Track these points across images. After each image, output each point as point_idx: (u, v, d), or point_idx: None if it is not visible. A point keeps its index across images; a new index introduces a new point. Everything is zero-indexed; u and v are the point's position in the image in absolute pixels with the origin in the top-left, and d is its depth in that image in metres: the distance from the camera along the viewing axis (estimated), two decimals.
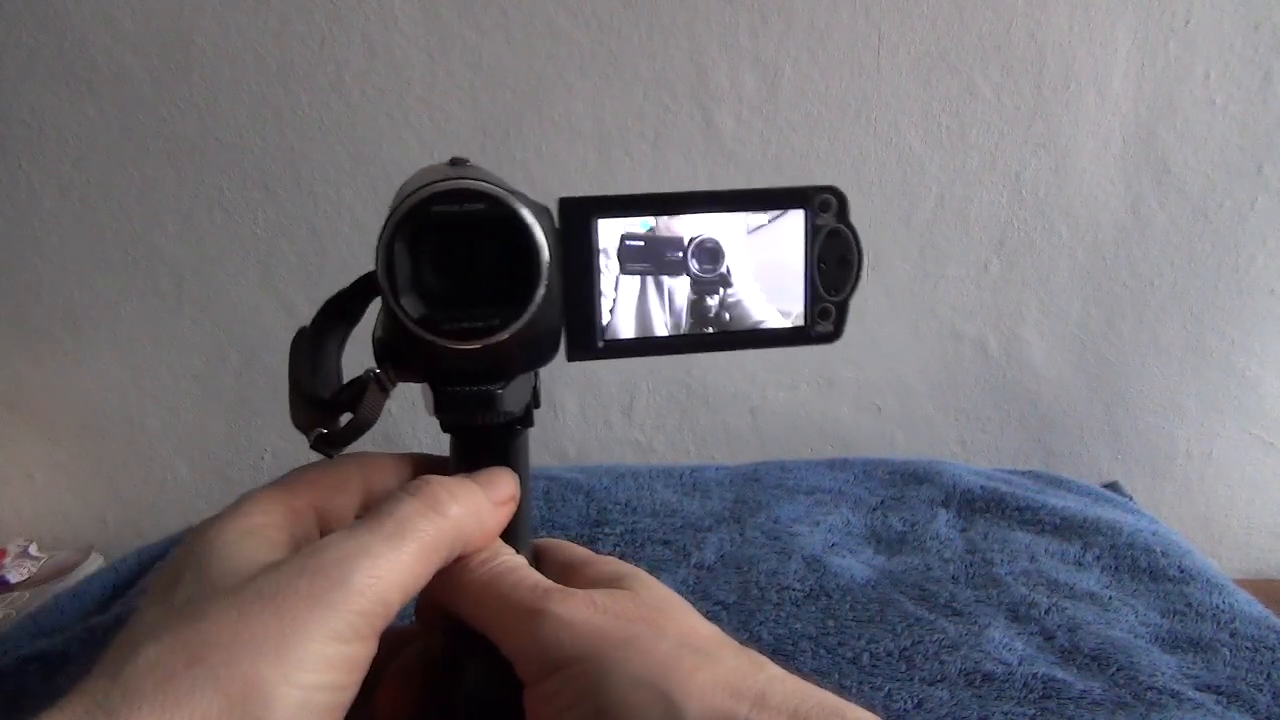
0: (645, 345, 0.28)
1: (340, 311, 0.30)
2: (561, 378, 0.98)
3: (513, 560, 0.26)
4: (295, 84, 0.91)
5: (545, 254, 0.24)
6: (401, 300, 0.24)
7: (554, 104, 0.92)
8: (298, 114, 0.92)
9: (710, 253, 0.28)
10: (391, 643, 0.32)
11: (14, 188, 0.92)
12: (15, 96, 0.90)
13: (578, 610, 0.24)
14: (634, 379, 0.99)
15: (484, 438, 0.30)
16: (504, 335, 0.24)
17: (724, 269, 0.28)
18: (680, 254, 0.28)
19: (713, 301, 0.28)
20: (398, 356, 0.25)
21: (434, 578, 0.26)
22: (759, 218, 0.29)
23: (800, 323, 0.30)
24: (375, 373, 0.25)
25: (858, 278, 0.30)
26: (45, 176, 0.92)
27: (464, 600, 0.26)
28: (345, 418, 0.26)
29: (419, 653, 0.30)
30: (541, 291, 0.24)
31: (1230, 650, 0.46)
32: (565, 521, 0.61)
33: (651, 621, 0.25)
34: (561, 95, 0.92)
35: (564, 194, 0.27)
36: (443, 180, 0.23)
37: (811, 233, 0.29)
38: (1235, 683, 0.43)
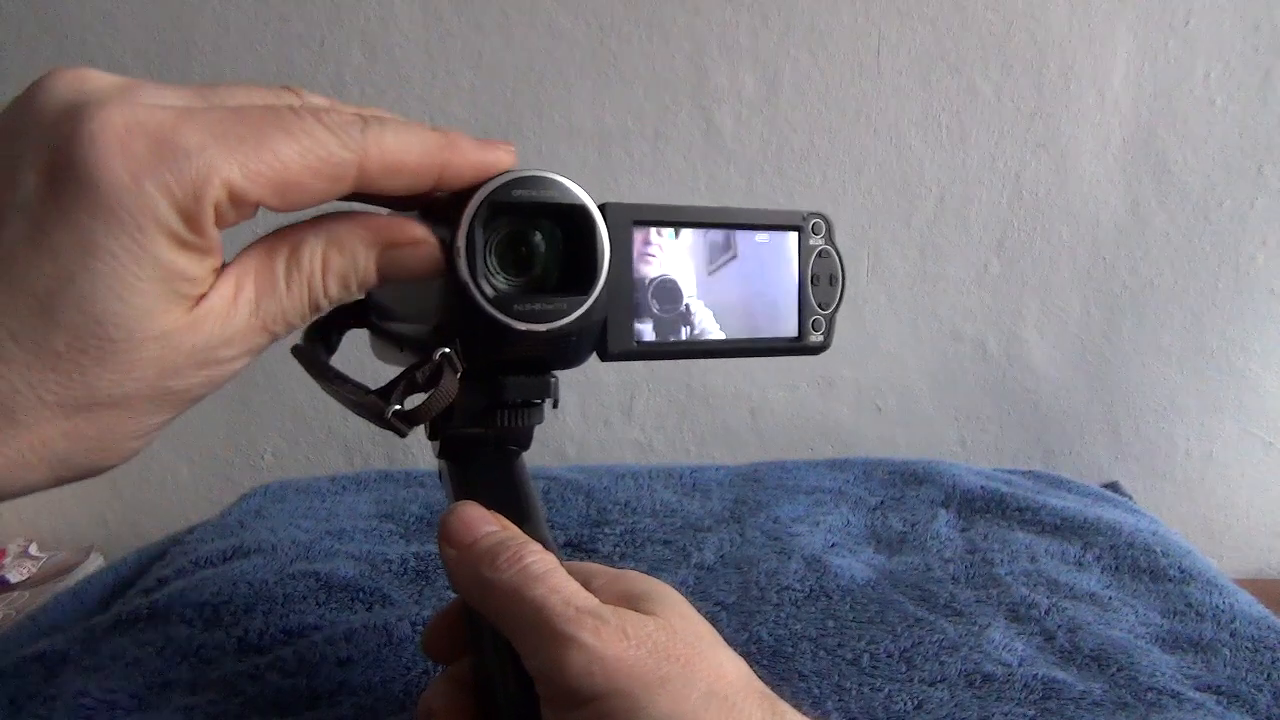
0: (669, 349, 0.30)
1: (322, 338, 0.31)
2: (561, 378, 0.98)
3: (544, 563, 0.25)
4: (295, 84, 0.91)
5: (608, 246, 0.26)
6: (478, 281, 0.24)
7: (554, 104, 0.92)
8: None
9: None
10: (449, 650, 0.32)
11: None
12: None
13: (611, 643, 0.23)
14: (634, 379, 0.99)
15: (485, 460, 0.31)
16: (569, 320, 0.25)
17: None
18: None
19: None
20: (463, 339, 0.26)
21: (461, 573, 0.26)
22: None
23: (794, 334, 0.33)
24: (445, 353, 0.26)
25: (843, 293, 0.34)
26: None
27: (489, 603, 0.25)
28: (412, 400, 0.27)
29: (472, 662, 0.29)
30: (603, 281, 0.26)
31: (1230, 650, 0.46)
32: (565, 521, 0.61)
33: (685, 661, 0.24)
34: (561, 95, 0.92)
35: None
36: (520, 170, 0.25)
37: (805, 253, 0.33)
38: (1235, 683, 0.43)
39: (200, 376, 0.21)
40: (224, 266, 0.22)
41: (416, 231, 0.24)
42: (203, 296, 0.21)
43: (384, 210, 0.26)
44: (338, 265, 0.23)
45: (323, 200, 0.22)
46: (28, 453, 0.19)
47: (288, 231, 0.23)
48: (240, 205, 0.21)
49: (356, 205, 0.25)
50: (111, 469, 0.22)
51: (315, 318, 0.24)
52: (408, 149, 0.23)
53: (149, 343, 0.20)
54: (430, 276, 0.25)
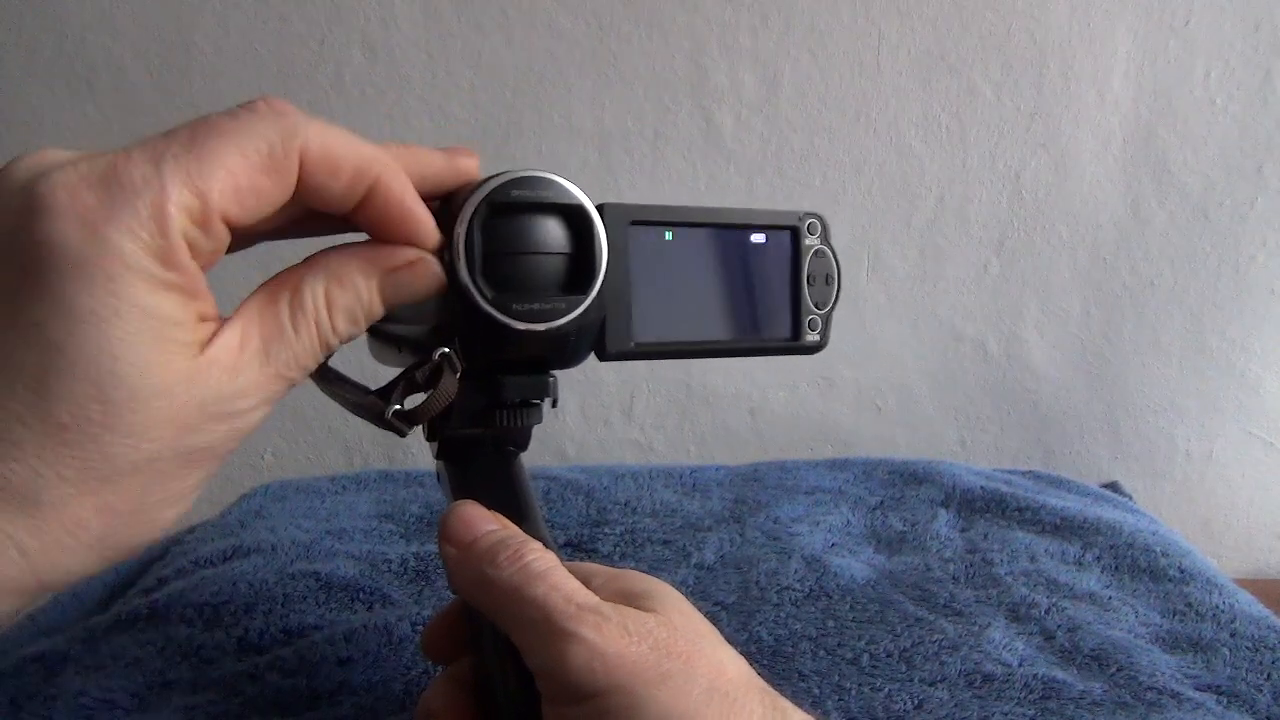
0: (666, 348, 0.30)
1: None
2: (561, 378, 0.98)
3: (544, 561, 0.25)
4: (295, 84, 0.91)
5: (606, 246, 0.26)
6: (478, 281, 0.24)
7: (554, 104, 0.92)
8: None
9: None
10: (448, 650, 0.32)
11: None
12: (15, 96, 0.90)
13: (612, 639, 0.23)
14: (634, 379, 0.99)
15: (483, 461, 0.31)
16: (568, 319, 0.26)
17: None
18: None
19: None
20: (463, 338, 0.26)
21: (462, 572, 0.26)
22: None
23: (790, 334, 0.33)
24: (444, 353, 0.26)
25: (839, 293, 0.34)
26: None
27: (490, 601, 0.25)
28: (412, 400, 0.27)
29: (472, 661, 0.29)
30: (601, 281, 0.26)
31: (1230, 650, 0.46)
32: (565, 521, 0.61)
33: (686, 657, 0.24)
34: (561, 95, 0.92)
35: None
36: (518, 170, 0.25)
37: (802, 253, 0.33)
38: (1235, 683, 0.43)
39: (221, 431, 0.21)
40: (225, 320, 0.22)
41: (410, 253, 0.24)
42: (206, 345, 0.21)
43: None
44: (341, 300, 0.23)
45: (280, 200, 0.22)
46: (65, 536, 0.19)
47: (285, 276, 0.23)
48: (207, 227, 0.20)
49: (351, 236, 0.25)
50: (154, 540, 0.21)
51: (327, 357, 0.24)
52: (347, 141, 0.22)
53: (154, 399, 0.19)
54: (433, 295, 0.25)
